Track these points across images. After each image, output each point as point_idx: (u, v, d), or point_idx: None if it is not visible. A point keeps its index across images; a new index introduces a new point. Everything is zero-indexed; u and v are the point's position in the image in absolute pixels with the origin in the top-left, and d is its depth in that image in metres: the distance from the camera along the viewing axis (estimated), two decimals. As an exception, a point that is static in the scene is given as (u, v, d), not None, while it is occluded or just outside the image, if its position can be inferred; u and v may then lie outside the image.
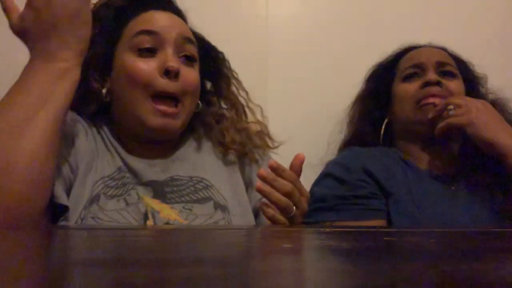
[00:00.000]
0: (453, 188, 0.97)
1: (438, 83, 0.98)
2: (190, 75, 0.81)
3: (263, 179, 0.68)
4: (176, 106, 0.79)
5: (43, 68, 0.65)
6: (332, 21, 1.25)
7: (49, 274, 0.26)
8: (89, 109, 0.82)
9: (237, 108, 0.92)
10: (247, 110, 0.94)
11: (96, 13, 0.81)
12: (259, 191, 0.69)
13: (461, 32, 1.26)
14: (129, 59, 0.78)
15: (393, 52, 1.10)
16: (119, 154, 0.81)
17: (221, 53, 0.94)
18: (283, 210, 0.69)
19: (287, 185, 0.69)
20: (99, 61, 0.80)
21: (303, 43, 1.23)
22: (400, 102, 1.02)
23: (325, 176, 1.01)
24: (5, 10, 0.67)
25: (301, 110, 1.20)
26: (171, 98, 0.78)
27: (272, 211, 0.70)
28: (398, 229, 0.71)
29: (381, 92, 1.07)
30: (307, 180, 1.11)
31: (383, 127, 1.06)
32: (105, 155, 0.80)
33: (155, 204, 0.78)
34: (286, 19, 1.24)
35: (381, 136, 1.06)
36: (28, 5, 0.65)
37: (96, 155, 0.79)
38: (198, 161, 0.86)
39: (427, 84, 0.98)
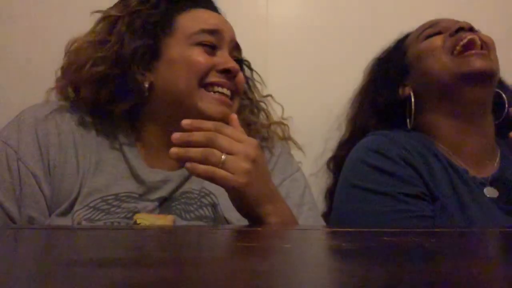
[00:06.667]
0: (505, 195, 0.80)
1: (471, 29, 0.82)
2: (242, 76, 0.84)
3: (176, 141, 0.63)
4: (231, 99, 0.80)
5: None
6: (332, 21, 1.25)
7: (49, 273, 0.26)
8: (121, 107, 0.78)
9: (254, 108, 0.94)
10: (267, 111, 0.96)
11: (142, 2, 0.80)
12: (175, 157, 0.62)
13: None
14: (189, 51, 0.77)
15: (393, 41, 1.02)
16: (134, 167, 0.78)
17: (247, 61, 0.96)
18: (206, 161, 0.62)
19: (202, 135, 0.63)
20: (144, 54, 0.78)
21: (303, 43, 1.23)
22: (428, 57, 0.84)
23: (357, 163, 0.83)
24: None
25: (301, 109, 1.20)
26: (225, 95, 0.79)
27: (194, 164, 0.62)
28: (397, 229, 0.71)
29: (391, 73, 0.92)
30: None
31: (413, 101, 0.86)
32: (116, 165, 0.78)
33: (152, 217, 0.75)
34: (286, 19, 1.24)
35: (412, 112, 0.86)
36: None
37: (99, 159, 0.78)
38: None
39: (460, 30, 0.82)
